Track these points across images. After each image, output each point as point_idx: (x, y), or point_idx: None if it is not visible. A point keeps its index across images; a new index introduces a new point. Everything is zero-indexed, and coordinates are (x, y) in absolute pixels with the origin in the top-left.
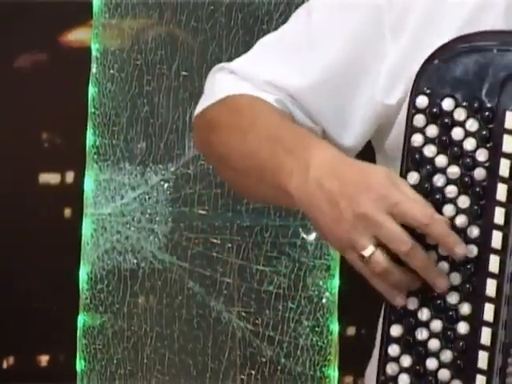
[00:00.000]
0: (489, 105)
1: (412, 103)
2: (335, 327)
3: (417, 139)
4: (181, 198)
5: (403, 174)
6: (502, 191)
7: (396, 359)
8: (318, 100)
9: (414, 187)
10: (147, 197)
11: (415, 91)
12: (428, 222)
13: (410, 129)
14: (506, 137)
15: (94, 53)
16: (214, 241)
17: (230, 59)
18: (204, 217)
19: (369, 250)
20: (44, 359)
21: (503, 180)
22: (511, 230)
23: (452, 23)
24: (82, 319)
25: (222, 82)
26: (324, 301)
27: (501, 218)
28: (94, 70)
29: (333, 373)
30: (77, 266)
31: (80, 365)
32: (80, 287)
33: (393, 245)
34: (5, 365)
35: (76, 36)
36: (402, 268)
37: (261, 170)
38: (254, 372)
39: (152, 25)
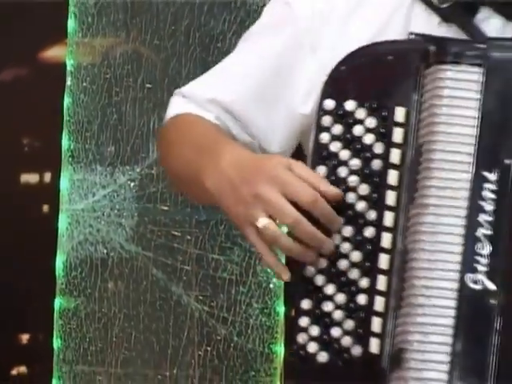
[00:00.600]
0: (385, 104)
1: (320, 106)
2: (281, 309)
3: (324, 137)
4: (145, 196)
5: (312, 168)
6: (393, 176)
7: (305, 329)
8: (250, 111)
9: None
10: (116, 194)
11: (323, 95)
12: (311, 201)
13: (319, 128)
14: (395, 129)
15: (68, 68)
16: (175, 233)
17: (188, 73)
18: (166, 212)
19: (262, 221)
20: (25, 338)
21: (394, 166)
22: (401, 210)
23: (361, 39)
24: (58, 302)
25: (174, 105)
26: (272, 286)
27: (393, 200)
28: (68, 82)
29: (279, 349)
30: (53, 256)
31: (57, 343)
32: (56, 274)
33: (279, 218)
34: None
35: (53, 53)
36: (291, 238)
37: (192, 175)
38: (209, 348)
39: (120, 43)
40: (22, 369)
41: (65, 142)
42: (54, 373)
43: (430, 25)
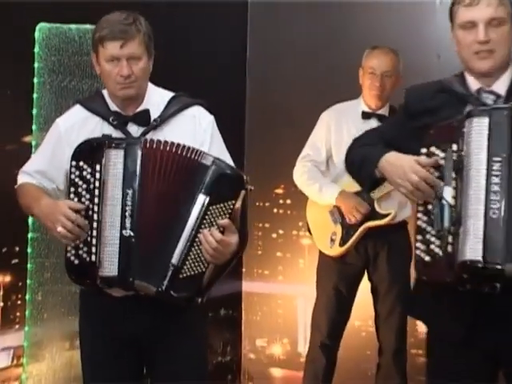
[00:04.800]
0: (94, 162)
1: (70, 163)
2: None
3: (73, 176)
4: None
5: (70, 197)
6: (96, 192)
7: (70, 251)
8: (51, 174)
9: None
10: None
11: (71, 159)
12: (75, 220)
13: (71, 173)
14: (96, 174)
15: None
16: None
17: None
18: None
19: (59, 229)
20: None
21: (97, 188)
22: (100, 205)
23: (85, 138)
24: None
25: (20, 176)
26: None
27: (97, 203)
28: None
29: None
30: None
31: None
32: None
33: (63, 226)
34: None
35: None
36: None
37: (29, 208)
38: None
39: None
40: None
41: None
42: None
43: (110, 130)
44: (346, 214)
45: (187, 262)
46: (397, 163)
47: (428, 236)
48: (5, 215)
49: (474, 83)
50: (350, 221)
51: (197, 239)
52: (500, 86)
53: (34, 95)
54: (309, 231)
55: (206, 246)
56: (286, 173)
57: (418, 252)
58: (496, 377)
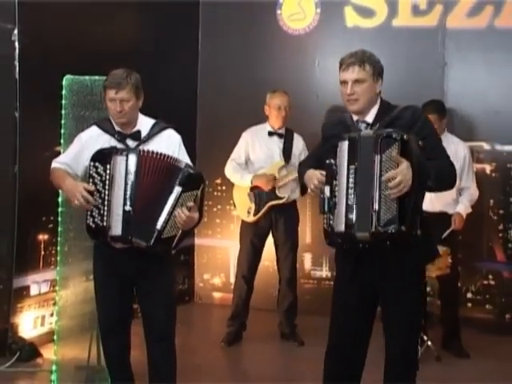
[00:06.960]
0: (105, 163)
1: (90, 162)
2: None
3: (91, 172)
4: None
5: (90, 184)
6: (108, 183)
7: (88, 219)
8: (73, 164)
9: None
10: None
11: (91, 160)
12: (83, 198)
13: (89, 169)
14: (107, 171)
15: None
16: None
17: None
18: None
19: (76, 201)
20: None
21: (111, 179)
22: (109, 191)
23: (95, 147)
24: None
25: (53, 163)
26: None
27: (108, 189)
28: None
29: None
30: None
31: None
32: None
33: (76, 199)
34: None
35: None
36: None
37: (59, 185)
38: None
39: None
40: None
41: None
42: None
43: (115, 143)
44: (262, 185)
45: (166, 228)
46: (307, 175)
47: (325, 216)
48: (44, 198)
49: (355, 117)
50: (268, 188)
51: (173, 214)
52: (369, 118)
53: (62, 121)
54: (234, 206)
55: (179, 219)
56: (223, 170)
57: (324, 226)
58: (376, 306)
